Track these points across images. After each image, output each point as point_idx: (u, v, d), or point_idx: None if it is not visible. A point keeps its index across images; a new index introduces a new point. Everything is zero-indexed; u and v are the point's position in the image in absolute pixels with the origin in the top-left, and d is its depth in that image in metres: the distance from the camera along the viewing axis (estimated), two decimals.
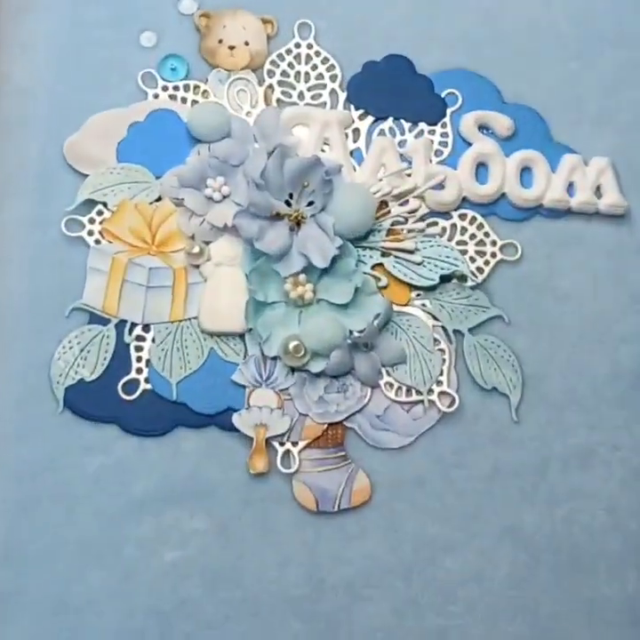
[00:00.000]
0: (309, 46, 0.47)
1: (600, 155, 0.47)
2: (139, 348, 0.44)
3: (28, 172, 0.45)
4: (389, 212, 0.45)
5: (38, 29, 0.46)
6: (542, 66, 0.47)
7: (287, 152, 0.44)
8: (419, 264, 0.45)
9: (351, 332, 0.44)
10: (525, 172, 0.46)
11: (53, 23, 0.46)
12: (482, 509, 0.45)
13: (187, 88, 0.46)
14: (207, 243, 0.45)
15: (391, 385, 0.45)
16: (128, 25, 0.47)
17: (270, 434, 0.44)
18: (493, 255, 0.46)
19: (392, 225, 0.45)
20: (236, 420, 0.44)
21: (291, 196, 0.44)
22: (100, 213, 0.45)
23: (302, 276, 0.44)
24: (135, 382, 0.44)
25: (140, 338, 0.44)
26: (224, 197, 0.45)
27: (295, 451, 0.44)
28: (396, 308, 0.45)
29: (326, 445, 0.44)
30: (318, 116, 0.46)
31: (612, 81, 0.47)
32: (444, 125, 0.46)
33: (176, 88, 0.46)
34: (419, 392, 0.45)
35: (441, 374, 0.45)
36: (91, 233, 0.45)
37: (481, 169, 0.46)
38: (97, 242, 0.45)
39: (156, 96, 0.46)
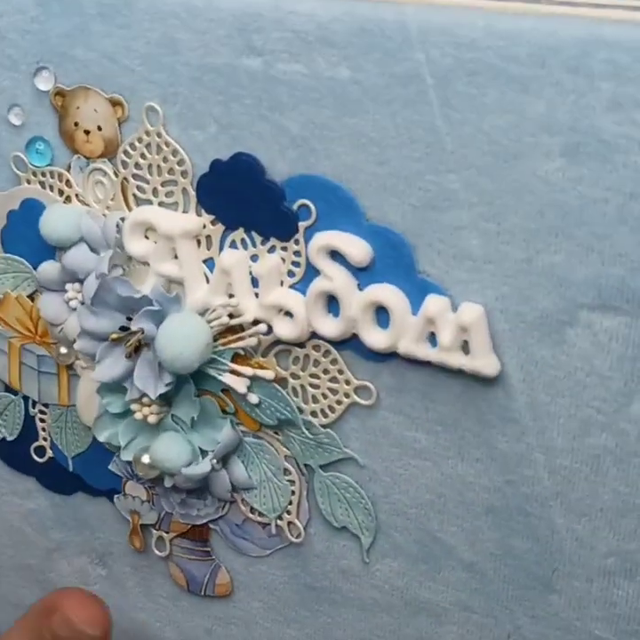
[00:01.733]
0: (158, 135, 0.41)
1: (474, 300, 0.37)
2: (42, 420, 0.48)
3: None
4: (234, 340, 0.41)
5: None
6: (412, 176, 0.37)
7: (115, 281, 0.41)
8: (256, 405, 0.42)
9: (202, 450, 0.43)
10: (382, 309, 0.39)
11: None
12: (332, 629, 0.45)
13: (52, 175, 0.44)
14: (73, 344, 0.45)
15: (245, 502, 0.44)
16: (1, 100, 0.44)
17: (142, 522, 0.47)
18: (347, 395, 0.40)
19: (234, 358, 0.42)
20: (117, 502, 0.47)
21: (129, 318, 0.42)
22: None
23: (146, 399, 0.43)
24: (42, 448, 0.48)
25: (42, 411, 0.48)
26: (81, 303, 0.44)
27: (167, 538, 0.47)
28: (249, 431, 0.43)
29: (194, 538, 0.46)
30: (163, 227, 0.41)
31: (502, 206, 0.36)
32: (296, 242, 0.39)
33: (43, 174, 0.44)
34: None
35: (290, 504, 0.43)
36: None
37: (334, 301, 0.39)
38: None
39: (29, 181, 0.44)
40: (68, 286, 0.43)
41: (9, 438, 0.49)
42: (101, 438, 0.44)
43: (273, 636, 0.46)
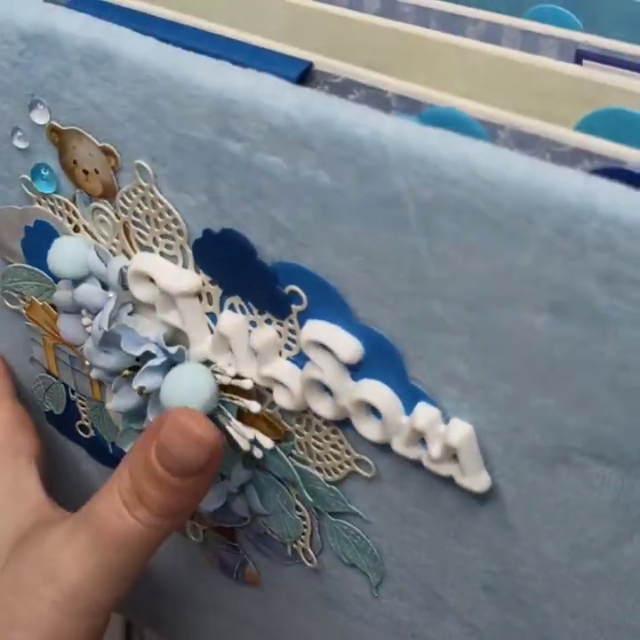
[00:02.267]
0: (151, 191, 0.38)
1: (465, 418, 0.35)
2: (82, 405, 0.49)
3: None
4: (239, 400, 0.41)
5: None
6: (398, 293, 0.34)
7: (119, 331, 0.41)
8: (261, 459, 0.41)
9: (222, 475, 0.44)
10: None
11: None
12: (349, 637, 0.46)
13: (59, 203, 0.42)
14: None
15: (263, 523, 0.45)
16: (4, 122, 0.42)
17: None
18: (348, 463, 0.40)
19: (240, 409, 0.41)
20: None
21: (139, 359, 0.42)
22: (24, 298, 0.47)
23: None
24: (85, 428, 0.50)
25: (81, 397, 0.49)
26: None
27: (200, 529, 0.49)
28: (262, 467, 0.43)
29: (223, 534, 0.48)
30: (162, 283, 0.39)
31: (489, 343, 0.33)
32: (291, 321, 0.38)
33: (51, 200, 0.42)
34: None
35: (303, 534, 0.44)
36: (25, 308, 0.47)
37: None
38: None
39: (40, 202, 0.43)
40: (85, 312, 0.43)
41: (57, 411, 0.50)
42: (127, 449, 0.45)
43: (295, 631, 0.48)
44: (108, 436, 0.49)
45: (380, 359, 0.35)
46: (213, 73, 0.34)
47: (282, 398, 0.39)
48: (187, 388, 0.40)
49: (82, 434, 0.50)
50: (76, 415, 0.50)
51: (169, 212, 0.38)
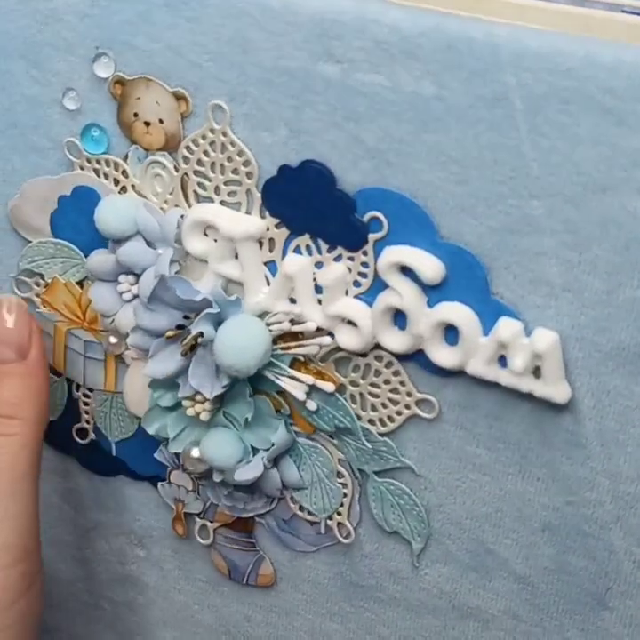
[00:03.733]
0: (224, 134, 0.39)
1: (549, 326, 0.36)
2: (85, 403, 0.47)
3: None
4: (295, 346, 0.41)
5: None
6: (493, 198, 0.36)
7: (174, 280, 0.40)
8: (314, 412, 0.41)
9: (254, 448, 0.43)
10: (452, 326, 0.38)
11: None
12: (376, 626, 0.45)
13: (108, 163, 0.42)
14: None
15: (295, 499, 0.44)
16: (54, 83, 0.42)
17: (186, 510, 0.47)
18: (407, 407, 0.40)
19: (292, 362, 0.41)
20: (160, 489, 0.47)
21: (186, 317, 0.41)
22: (43, 277, 0.46)
23: (199, 396, 0.43)
24: (84, 431, 0.48)
25: (86, 395, 0.47)
26: (134, 296, 0.43)
27: (210, 527, 0.47)
28: (301, 432, 0.42)
29: (238, 529, 0.46)
30: (225, 228, 0.40)
31: (586, 236, 0.35)
32: (365, 253, 0.38)
33: (98, 162, 0.42)
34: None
35: (341, 506, 0.43)
36: (37, 294, 0.46)
37: (401, 313, 0.39)
38: (43, 304, 0.46)
39: (82, 167, 0.43)
40: (122, 278, 0.42)
41: (51, 418, 0.48)
42: (151, 431, 0.44)
43: (314, 628, 0.46)
44: (114, 435, 0.47)
45: (462, 278, 0.37)
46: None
47: (348, 339, 0.39)
48: (242, 341, 0.40)
49: (78, 440, 0.48)
50: (73, 418, 0.48)
51: (240, 153, 0.39)
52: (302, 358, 0.41)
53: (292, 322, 0.40)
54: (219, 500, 0.45)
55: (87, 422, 0.47)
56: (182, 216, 0.40)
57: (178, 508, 0.47)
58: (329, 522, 0.43)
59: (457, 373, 0.38)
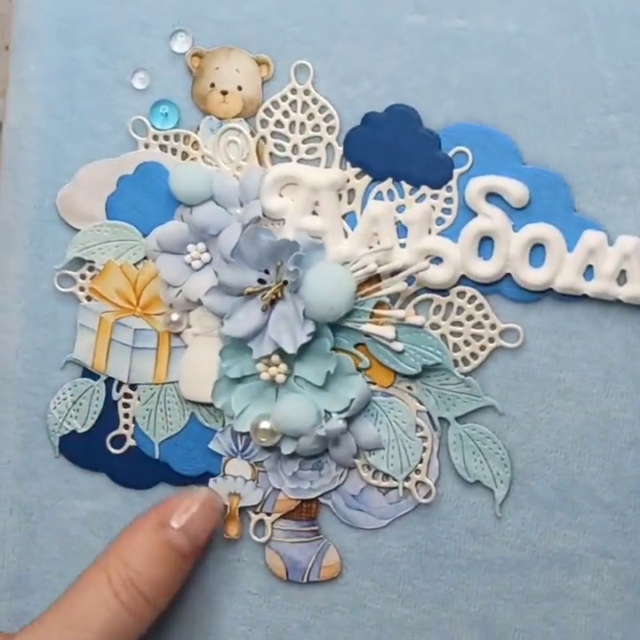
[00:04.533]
0: (306, 92, 0.42)
1: (631, 233, 0.40)
2: (126, 405, 0.45)
3: (22, 222, 0.45)
4: (376, 289, 0.42)
5: (30, 67, 0.44)
6: (573, 119, 0.40)
7: (259, 230, 0.41)
8: (400, 352, 0.42)
9: (328, 412, 0.43)
10: (537, 248, 0.41)
11: (44, 60, 0.44)
12: (453, 597, 0.44)
13: (177, 138, 0.44)
14: (187, 311, 0.44)
15: (368, 467, 0.43)
16: (121, 65, 0.44)
17: (243, 504, 0.44)
18: (491, 340, 0.42)
19: (376, 305, 0.42)
20: (212, 486, 0.45)
21: (266, 271, 0.42)
22: (90, 269, 0.45)
23: (275, 357, 0.42)
24: (122, 437, 0.45)
25: (127, 395, 0.45)
26: (205, 265, 0.43)
27: (268, 521, 0.45)
28: (378, 389, 0.43)
29: (300, 518, 0.44)
30: (309, 179, 0.42)
31: None
32: (449, 189, 0.41)
33: (166, 137, 0.44)
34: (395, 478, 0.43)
35: (420, 462, 0.43)
36: (82, 289, 0.45)
37: (486, 241, 0.41)
38: (88, 298, 0.45)
39: (147, 146, 0.44)
40: (191, 247, 0.43)
41: (81, 430, 0.45)
42: (218, 404, 0.43)
43: (382, 619, 0.44)
44: (159, 434, 0.45)
45: (545, 199, 0.41)
46: None
47: (436, 273, 0.42)
48: (333, 281, 0.41)
49: (112, 450, 0.46)
50: (109, 425, 0.45)
51: (322, 109, 0.42)
52: (387, 300, 0.42)
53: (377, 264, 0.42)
54: (282, 483, 0.44)
55: (125, 427, 0.45)
56: (262, 175, 0.42)
57: (232, 505, 0.45)
58: (406, 483, 0.43)
59: (538, 298, 0.41)
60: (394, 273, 0.42)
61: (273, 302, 0.42)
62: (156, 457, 0.45)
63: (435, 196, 0.41)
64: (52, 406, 0.46)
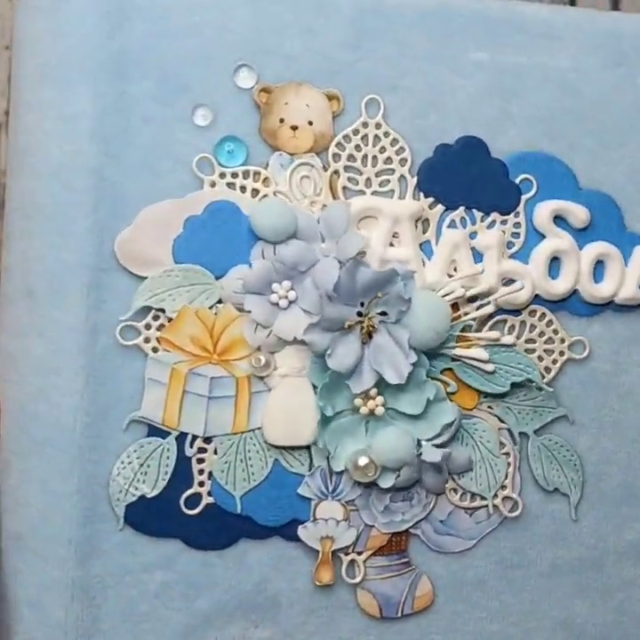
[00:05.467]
0: (377, 126, 0.43)
1: None
2: (200, 461, 0.42)
3: (75, 272, 0.41)
4: (460, 316, 0.43)
5: (80, 102, 0.41)
6: (619, 146, 0.44)
7: (361, 264, 0.41)
8: (491, 373, 0.43)
9: (419, 442, 0.43)
10: (598, 264, 0.44)
11: (97, 95, 0.41)
12: (538, 605, 0.45)
13: (246, 175, 0.42)
14: (273, 352, 0.42)
15: (455, 490, 0.44)
16: (180, 100, 0.41)
17: (336, 546, 0.43)
18: (561, 353, 0.44)
19: (462, 329, 0.43)
20: (302, 533, 0.43)
21: (362, 304, 0.42)
22: (156, 318, 0.42)
23: (373, 390, 0.42)
24: (197, 496, 0.42)
25: (201, 450, 0.42)
26: (290, 302, 0.42)
27: (360, 560, 0.44)
28: (462, 411, 0.44)
29: (390, 552, 0.44)
30: (388, 210, 0.42)
31: None
32: (517, 215, 0.44)
33: (234, 175, 0.42)
34: (483, 497, 0.44)
35: (506, 478, 0.44)
36: (147, 340, 0.42)
37: (553, 262, 0.44)
38: (154, 349, 0.42)
39: (213, 184, 0.42)
40: (276, 286, 0.42)
41: (150, 494, 0.42)
42: (320, 445, 0.42)
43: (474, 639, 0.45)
44: (240, 487, 0.42)
45: (601, 219, 0.45)
46: None
47: (518, 294, 0.44)
48: (436, 308, 0.42)
49: (187, 511, 0.42)
50: (182, 485, 0.42)
51: (394, 142, 0.43)
52: (473, 324, 0.43)
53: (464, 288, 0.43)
54: (374, 519, 0.43)
55: (200, 484, 0.42)
56: (347, 205, 0.42)
57: (325, 549, 0.43)
58: (495, 501, 0.44)
59: (599, 311, 0.45)
60: (474, 297, 0.43)
61: (370, 334, 0.42)
62: (238, 512, 0.42)
63: (504, 222, 0.44)
64: (116, 473, 0.42)
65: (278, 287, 0.42)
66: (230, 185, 0.42)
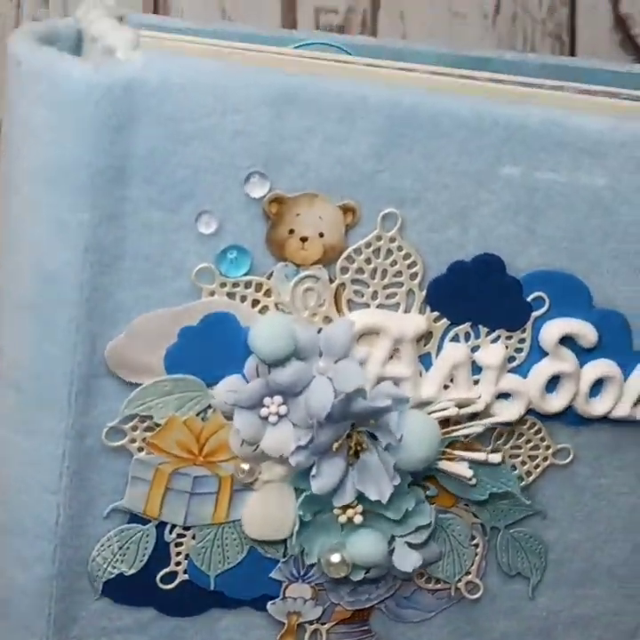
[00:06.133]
0: (392, 239, 0.40)
1: None
2: (178, 544, 0.43)
3: (64, 378, 0.40)
4: (450, 431, 0.43)
5: (78, 209, 0.38)
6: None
7: (356, 395, 0.40)
8: (473, 485, 0.44)
9: (393, 537, 0.44)
10: (596, 382, 0.44)
11: (96, 204, 0.38)
12: None
13: (248, 285, 0.40)
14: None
15: (422, 574, 0.46)
16: (185, 207, 0.38)
17: (302, 620, 0.45)
18: (545, 459, 0.45)
19: (449, 444, 0.43)
20: (271, 608, 0.45)
21: (352, 425, 0.41)
22: (143, 420, 0.41)
23: (354, 501, 0.42)
24: (173, 574, 0.44)
25: (180, 535, 0.43)
26: (280, 417, 0.41)
27: (323, 629, 0.46)
28: (439, 507, 0.44)
29: (352, 621, 0.46)
30: (391, 328, 0.41)
31: None
32: (523, 331, 0.42)
33: (235, 285, 0.40)
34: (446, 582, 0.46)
35: (471, 565, 0.46)
36: (133, 440, 0.41)
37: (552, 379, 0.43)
38: (140, 449, 0.41)
39: (212, 293, 0.40)
40: (267, 400, 0.41)
41: (128, 573, 0.43)
42: (297, 549, 0.43)
43: None
44: (215, 568, 0.44)
45: (610, 337, 0.43)
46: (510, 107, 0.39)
47: (506, 412, 0.43)
48: (428, 433, 0.41)
49: (162, 586, 0.44)
50: (160, 565, 0.43)
51: (406, 256, 0.41)
52: (463, 439, 0.43)
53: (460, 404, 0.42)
54: (341, 599, 0.45)
55: (177, 564, 0.44)
56: (350, 323, 0.40)
57: (291, 622, 0.45)
58: (458, 584, 0.46)
59: (588, 421, 0.44)
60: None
61: (357, 454, 0.41)
62: (211, 588, 0.44)
63: (509, 337, 0.42)
64: (96, 553, 0.43)
65: (269, 401, 0.41)
66: (230, 294, 0.40)
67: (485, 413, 0.43)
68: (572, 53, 0.67)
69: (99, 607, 0.44)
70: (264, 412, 0.41)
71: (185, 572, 0.44)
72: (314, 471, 0.41)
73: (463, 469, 0.43)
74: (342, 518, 0.42)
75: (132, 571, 0.43)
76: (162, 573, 0.44)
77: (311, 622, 0.46)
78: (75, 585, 0.43)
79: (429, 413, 0.42)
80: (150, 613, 0.44)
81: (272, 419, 0.41)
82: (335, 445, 0.41)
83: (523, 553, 0.46)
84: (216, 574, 0.44)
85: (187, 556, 0.43)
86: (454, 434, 0.43)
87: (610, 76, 0.48)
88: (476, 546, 0.46)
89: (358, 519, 0.42)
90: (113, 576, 0.43)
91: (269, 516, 0.42)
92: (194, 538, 0.43)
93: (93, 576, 0.43)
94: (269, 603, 0.45)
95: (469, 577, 0.46)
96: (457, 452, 0.43)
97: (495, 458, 0.43)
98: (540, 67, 0.49)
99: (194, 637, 0.45)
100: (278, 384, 0.40)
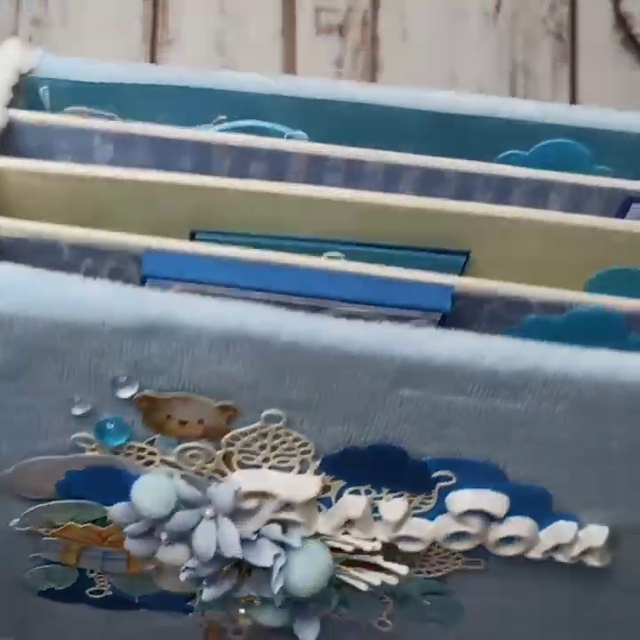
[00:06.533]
0: (278, 428, 0.38)
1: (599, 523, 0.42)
2: (102, 578, 0.47)
3: None
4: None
5: None
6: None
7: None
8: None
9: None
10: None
11: None
12: None
13: (131, 448, 0.39)
14: None
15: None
16: (57, 393, 0.37)
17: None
18: (455, 564, 0.45)
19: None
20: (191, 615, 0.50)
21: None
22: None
23: (242, 610, 0.45)
24: (99, 592, 0.48)
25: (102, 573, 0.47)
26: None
27: None
28: None
29: None
30: (286, 494, 0.40)
31: None
32: (429, 496, 0.41)
33: (116, 451, 0.39)
34: None
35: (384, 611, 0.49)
36: (39, 528, 0.44)
37: None
38: (46, 533, 0.44)
39: (94, 449, 0.39)
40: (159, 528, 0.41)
41: (58, 588, 0.48)
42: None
43: None
44: (136, 592, 0.48)
45: (527, 505, 0.40)
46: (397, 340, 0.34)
47: (411, 547, 0.42)
48: (317, 573, 0.42)
49: (92, 596, 0.48)
50: (86, 586, 0.48)
51: (296, 439, 0.38)
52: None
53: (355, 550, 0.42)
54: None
55: (103, 586, 0.48)
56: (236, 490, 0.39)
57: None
58: (370, 622, 0.49)
59: None
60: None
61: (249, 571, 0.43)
62: (135, 602, 0.49)
63: (413, 497, 0.41)
64: (26, 576, 0.47)
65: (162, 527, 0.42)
66: (115, 451, 0.39)
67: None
68: (573, 53, 0.66)
69: (38, 600, 0.49)
70: (156, 534, 0.42)
71: (110, 590, 0.48)
72: (205, 582, 0.43)
73: (359, 583, 0.44)
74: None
75: (62, 587, 0.48)
76: (90, 590, 0.48)
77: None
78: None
79: (330, 546, 0.42)
80: (84, 606, 0.50)
81: (164, 540, 0.42)
82: (226, 569, 0.42)
83: (435, 608, 0.48)
84: (139, 595, 0.48)
85: (110, 582, 0.47)
86: (354, 574, 0.43)
87: None
88: (386, 602, 0.47)
89: (245, 621, 0.45)
90: (44, 589, 0.48)
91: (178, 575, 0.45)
92: (113, 576, 0.47)
93: (26, 586, 0.48)
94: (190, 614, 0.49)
95: (381, 618, 0.49)
96: (356, 573, 0.43)
97: (401, 569, 0.43)
98: None
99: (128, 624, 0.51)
100: (170, 530, 0.41)
